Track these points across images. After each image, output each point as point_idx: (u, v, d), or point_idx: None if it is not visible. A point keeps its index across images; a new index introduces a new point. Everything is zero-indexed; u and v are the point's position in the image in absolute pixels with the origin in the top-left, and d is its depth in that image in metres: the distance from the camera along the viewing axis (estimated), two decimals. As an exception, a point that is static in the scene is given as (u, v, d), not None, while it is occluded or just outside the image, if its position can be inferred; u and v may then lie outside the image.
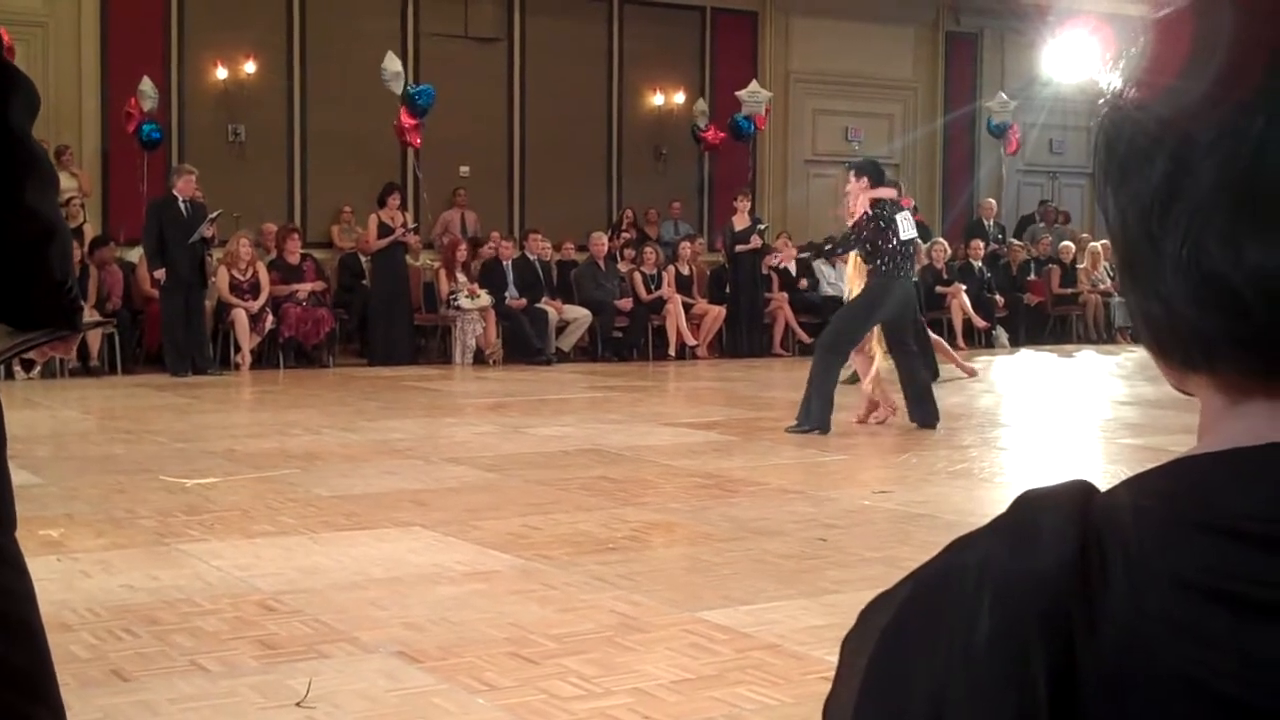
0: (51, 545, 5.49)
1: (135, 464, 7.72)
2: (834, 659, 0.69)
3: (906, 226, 9.16)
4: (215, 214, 14.13)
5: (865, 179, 9.27)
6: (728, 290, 16.75)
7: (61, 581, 4.87)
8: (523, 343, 15.44)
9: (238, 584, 4.86)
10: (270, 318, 14.43)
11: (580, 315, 15.96)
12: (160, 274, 13.60)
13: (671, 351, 16.24)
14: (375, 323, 15.31)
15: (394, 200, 15.49)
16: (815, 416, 9.03)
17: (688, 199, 20.06)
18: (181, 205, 13.81)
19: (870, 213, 9.13)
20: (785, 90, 20.42)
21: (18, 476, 7.10)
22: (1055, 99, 20.61)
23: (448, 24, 18.83)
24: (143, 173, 16.66)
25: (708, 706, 3.54)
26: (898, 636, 0.65)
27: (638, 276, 16.54)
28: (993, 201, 20.43)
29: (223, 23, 17.59)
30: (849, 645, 0.69)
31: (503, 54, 19.47)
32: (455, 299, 15.25)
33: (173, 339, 13.68)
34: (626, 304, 16.26)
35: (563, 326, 15.90)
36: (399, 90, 16.34)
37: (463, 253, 15.71)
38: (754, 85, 18.79)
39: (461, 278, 15.43)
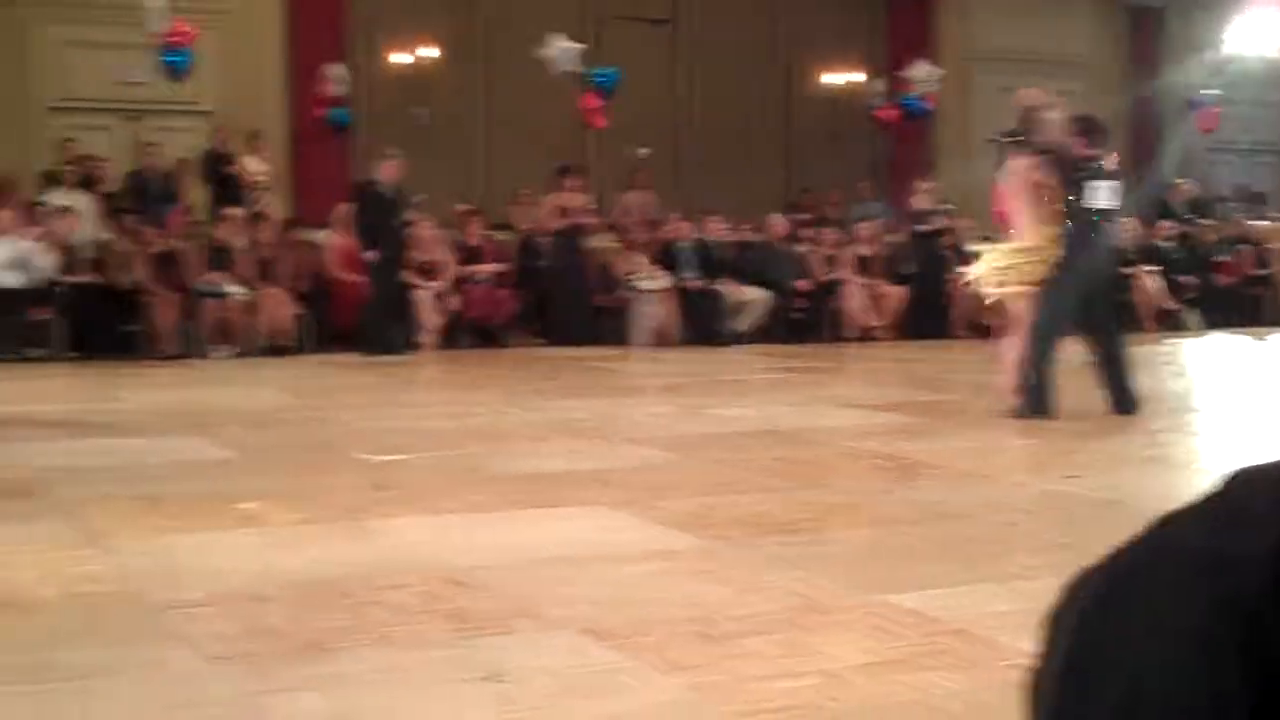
0: (247, 520, 5.66)
1: (326, 441, 7.91)
2: (1024, 645, 0.68)
3: (1100, 195, 8.62)
4: (419, 198, 14.43)
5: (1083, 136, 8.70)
6: (909, 271, 16.54)
7: (257, 555, 5.01)
8: (700, 324, 15.45)
9: (426, 560, 4.94)
10: (453, 299, 14.67)
11: (758, 296, 15.91)
12: (371, 255, 13.90)
13: (851, 333, 16.11)
14: (554, 303, 15.46)
15: (572, 181, 15.60)
16: (1034, 403, 8.57)
17: (866, 179, 19.88)
18: (385, 189, 14.11)
19: (1081, 158, 8.61)
20: (963, 68, 20.10)
21: (217, 452, 7.35)
22: (1243, 74, 19.92)
23: (622, 6, 18.93)
24: (330, 155, 17.06)
25: (896, 691, 3.50)
26: (1101, 614, 0.64)
27: (816, 257, 16.44)
28: (1183, 180, 19.87)
29: (405, 8, 17.90)
30: (1055, 620, 0.68)
31: (675, 35, 19.50)
32: (633, 280, 15.33)
33: (374, 319, 13.96)
34: (805, 285, 16.17)
35: (740, 307, 15.86)
36: (576, 68, 16.50)
37: (640, 234, 15.77)
38: (923, 64, 18.55)
39: (639, 259, 15.49)
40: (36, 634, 3.96)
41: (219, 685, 3.52)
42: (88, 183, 14.75)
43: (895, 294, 16.43)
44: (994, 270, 8.85)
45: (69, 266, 13.25)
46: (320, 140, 17.08)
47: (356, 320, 14.51)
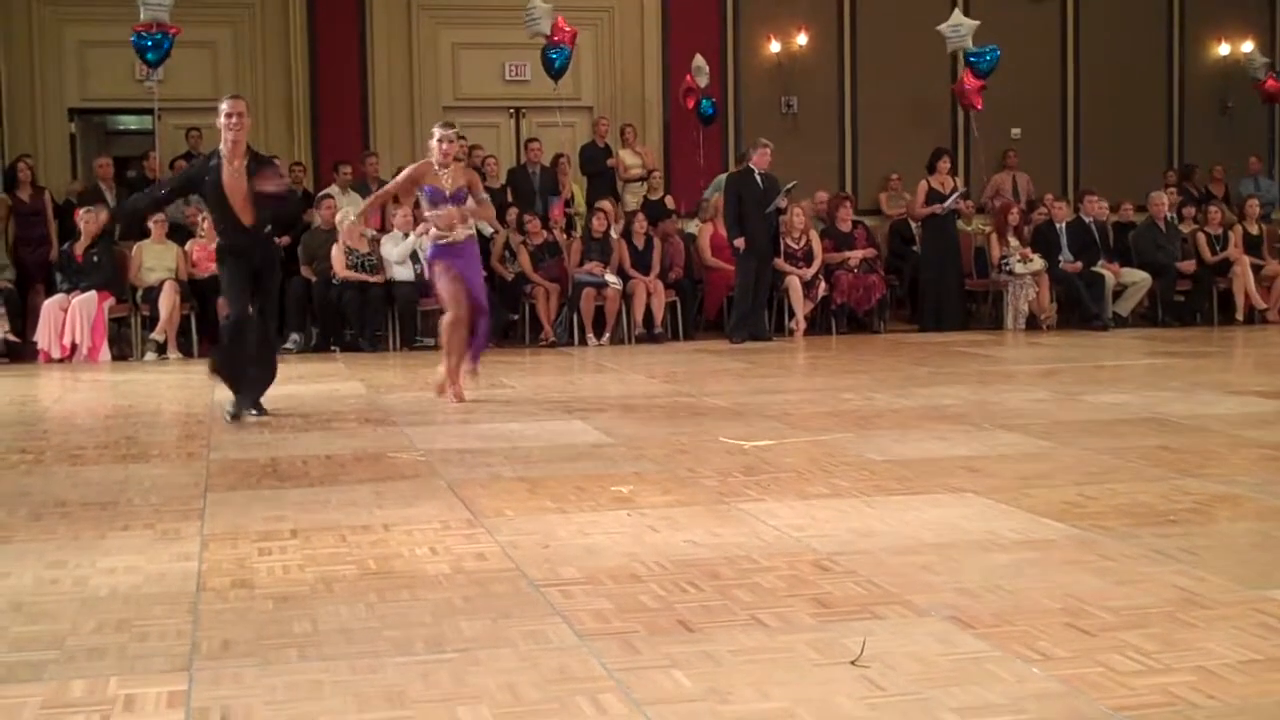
0: (622, 501, 5.84)
1: (696, 426, 8.07)
2: None
3: None
4: (791, 185, 14.55)
5: None
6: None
7: (631, 535, 5.17)
8: (1078, 308, 15.04)
9: (793, 543, 5.00)
10: (823, 285, 14.71)
11: (1139, 279, 15.36)
12: (740, 243, 14.09)
13: (1239, 316, 15.39)
14: (926, 288, 15.31)
15: (944, 165, 15.40)
16: None
17: (1259, 154, 18.90)
18: (758, 177, 14.27)
19: None
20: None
21: (593, 436, 7.61)
22: None
23: (998, -14, 18.63)
24: (699, 146, 17.35)
25: (1278, 690, 3.35)
26: None
27: (1201, 237, 15.75)
28: None
29: (775, -4, 18.03)
30: None
31: (1056, 12, 19.03)
32: (1007, 263, 15.03)
33: (743, 306, 14.15)
34: (1189, 266, 15.52)
35: (1120, 290, 15.34)
36: (969, 46, 16.28)
37: (1014, 216, 15.45)
38: None
39: (1013, 242, 15.17)
40: (429, 608, 4.20)
41: (591, 660, 3.66)
42: (475, 178, 15.41)
43: (1288, 274, 15.59)
44: None
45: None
46: (691, 131, 17.41)
47: (727, 307, 14.74)
